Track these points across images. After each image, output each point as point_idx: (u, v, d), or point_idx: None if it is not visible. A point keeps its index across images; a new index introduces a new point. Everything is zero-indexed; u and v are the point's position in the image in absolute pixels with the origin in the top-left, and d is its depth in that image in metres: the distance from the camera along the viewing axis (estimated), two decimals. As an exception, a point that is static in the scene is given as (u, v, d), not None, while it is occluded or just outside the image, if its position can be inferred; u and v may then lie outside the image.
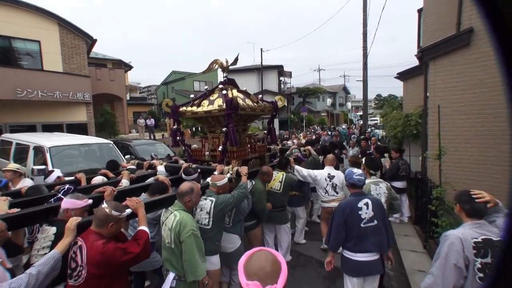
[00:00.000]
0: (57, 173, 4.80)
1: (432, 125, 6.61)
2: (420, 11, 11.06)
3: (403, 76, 10.09)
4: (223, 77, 5.42)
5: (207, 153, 5.52)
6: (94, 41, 15.53)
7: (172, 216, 2.93)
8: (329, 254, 3.43)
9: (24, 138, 7.65)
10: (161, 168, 4.84)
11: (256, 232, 4.55)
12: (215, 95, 5.10)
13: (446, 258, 2.24)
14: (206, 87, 5.61)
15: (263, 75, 31.98)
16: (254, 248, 1.41)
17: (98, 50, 22.40)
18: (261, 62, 30.89)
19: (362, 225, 3.17)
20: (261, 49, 30.70)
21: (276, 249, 5.13)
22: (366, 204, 3.22)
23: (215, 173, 4.11)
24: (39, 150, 6.82)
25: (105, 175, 4.86)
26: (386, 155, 8.38)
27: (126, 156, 7.86)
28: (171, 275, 2.87)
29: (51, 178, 4.64)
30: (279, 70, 34.09)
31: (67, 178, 4.83)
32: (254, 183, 4.45)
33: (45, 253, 2.41)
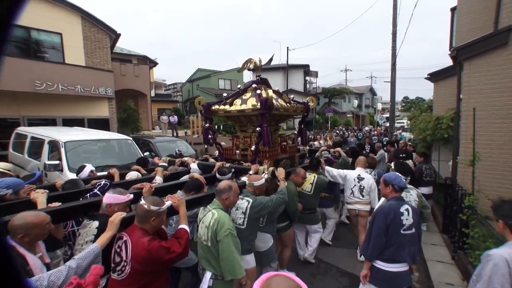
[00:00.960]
0: (89, 167, 4.77)
1: (465, 129, 6.23)
2: (453, 9, 10.54)
3: (434, 77, 9.63)
4: (256, 76, 5.41)
5: (237, 152, 5.49)
6: (118, 36, 15.34)
7: (210, 214, 2.93)
8: (365, 265, 3.19)
9: (40, 132, 7.40)
10: (194, 166, 4.87)
11: (289, 233, 4.55)
12: (248, 94, 5.12)
13: (489, 281, 2.01)
14: (239, 86, 5.57)
15: (288, 74, 31.70)
16: (269, 273, 1.21)
17: (125, 46, 22.75)
18: (287, 61, 30.59)
19: (402, 231, 3.01)
20: (287, 47, 30.40)
21: (306, 247, 5.19)
22: (407, 210, 3.07)
23: (250, 172, 4.15)
24: (54, 144, 6.59)
25: (137, 171, 4.89)
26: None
27: (145, 153, 7.76)
28: (208, 274, 2.86)
29: (85, 173, 4.62)
30: (305, 69, 33.73)
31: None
32: (286, 184, 4.35)
33: None
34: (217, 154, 5.92)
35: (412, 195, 3.88)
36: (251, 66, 5.33)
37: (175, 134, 18.13)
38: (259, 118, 4.74)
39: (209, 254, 2.85)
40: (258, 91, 4.87)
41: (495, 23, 6.12)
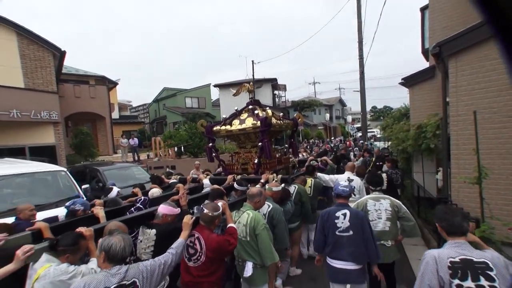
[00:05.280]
0: (115, 189, 5.33)
1: (456, 137, 5.35)
2: (423, 9, 9.97)
3: (409, 81, 8.85)
4: (250, 98, 6.18)
5: (238, 166, 6.07)
6: (63, 54, 13.55)
7: (246, 215, 3.50)
8: (317, 255, 3.78)
9: None
10: (206, 181, 5.51)
11: (299, 232, 5.15)
12: (245, 115, 5.79)
13: (422, 278, 2.15)
14: (236, 107, 6.16)
15: (256, 89, 30.83)
16: None
17: (90, 68, 21.25)
18: (253, 74, 29.64)
19: (337, 232, 3.38)
20: (252, 61, 29.49)
21: (308, 245, 5.78)
22: (344, 214, 3.41)
23: (262, 181, 4.70)
24: None
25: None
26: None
27: (84, 186, 6.43)
28: (249, 264, 3.37)
29: (113, 194, 5.16)
30: (273, 83, 32.89)
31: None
32: (296, 186, 5.10)
33: (152, 251, 3.01)
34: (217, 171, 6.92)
35: (382, 204, 3.82)
36: (246, 91, 6.10)
37: (136, 157, 16.63)
38: (258, 135, 5.42)
39: (249, 247, 3.40)
40: (256, 111, 5.70)
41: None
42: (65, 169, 6.51)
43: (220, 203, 3.24)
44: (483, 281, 1.95)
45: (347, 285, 3.34)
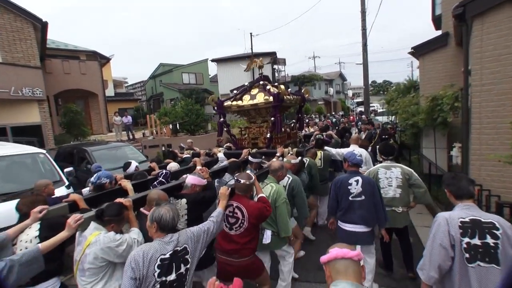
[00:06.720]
0: (134, 164, 5.29)
1: (478, 109, 4.80)
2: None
3: (420, 50, 8.18)
4: (259, 74, 6.26)
5: (247, 141, 6.28)
6: (45, 25, 12.11)
7: (269, 187, 3.66)
8: (331, 217, 4.02)
9: None
10: (221, 155, 5.65)
11: (311, 200, 5.38)
12: (255, 90, 5.94)
13: (433, 238, 2.26)
14: (246, 83, 6.25)
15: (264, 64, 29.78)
16: (339, 251, 1.59)
17: (86, 45, 20.32)
18: (252, 47, 28.70)
19: (350, 198, 3.62)
20: (251, 33, 28.40)
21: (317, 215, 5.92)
22: (357, 181, 3.64)
23: (277, 155, 4.88)
24: None
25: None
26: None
27: (66, 169, 5.86)
28: (268, 232, 3.58)
29: (131, 169, 5.13)
30: (273, 57, 31.95)
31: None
32: (308, 159, 5.20)
33: (186, 219, 3.11)
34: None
35: (393, 172, 4.03)
36: (257, 65, 6.26)
37: (130, 136, 16.03)
38: (270, 110, 5.62)
39: (269, 218, 3.47)
40: (268, 87, 5.82)
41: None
42: (44, 151, 5.91)
43: (252, 174, 3.43)
44: (488, 239, 2.10)
45: (357, 246, 3.53)
